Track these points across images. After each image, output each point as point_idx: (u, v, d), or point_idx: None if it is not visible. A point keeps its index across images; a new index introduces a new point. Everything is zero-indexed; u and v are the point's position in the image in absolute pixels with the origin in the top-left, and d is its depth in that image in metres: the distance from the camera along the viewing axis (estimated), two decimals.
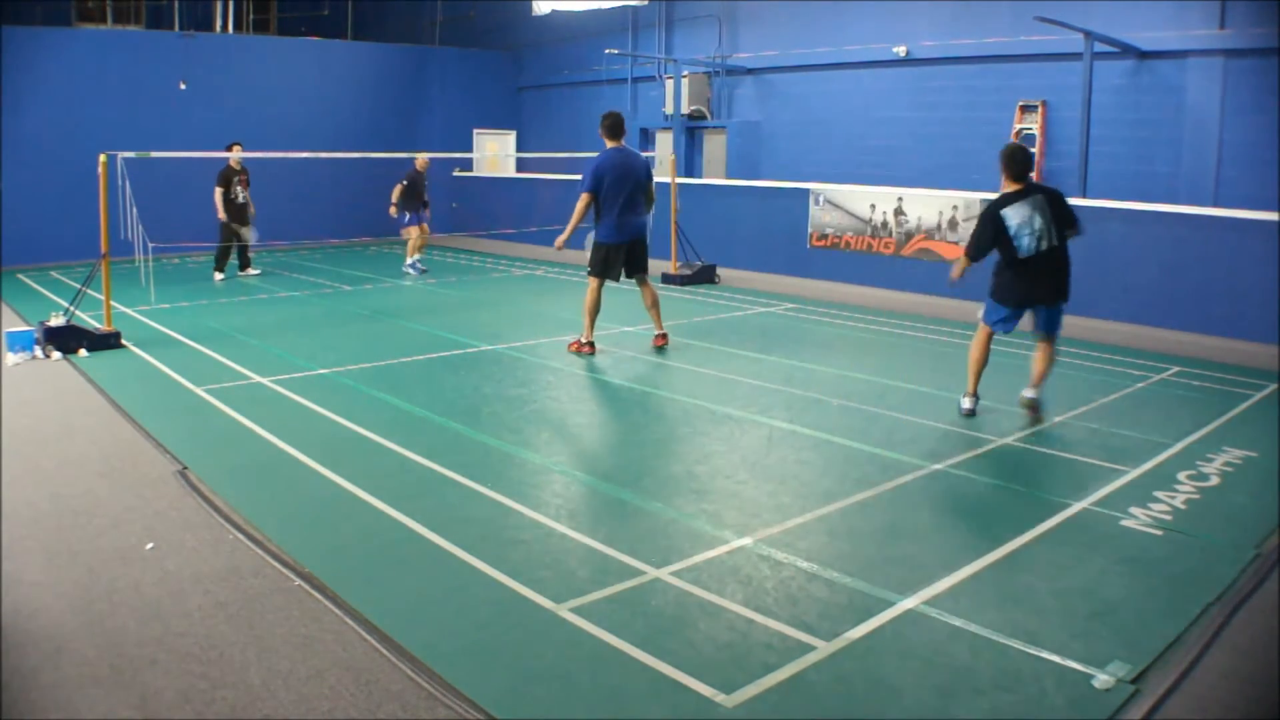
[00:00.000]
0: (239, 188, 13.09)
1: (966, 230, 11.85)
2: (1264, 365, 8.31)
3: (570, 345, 8.47)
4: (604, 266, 8.24)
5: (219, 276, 13.26)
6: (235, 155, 12.98)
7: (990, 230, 6.20)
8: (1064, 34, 11.80)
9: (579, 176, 8.43)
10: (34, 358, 8.15)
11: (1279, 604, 3.92)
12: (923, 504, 4.95)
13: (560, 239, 8.22)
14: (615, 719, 3.04)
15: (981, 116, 13.50)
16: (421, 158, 13.92)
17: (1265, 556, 4.33)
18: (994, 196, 6.39)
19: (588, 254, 8.52)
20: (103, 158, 8.84)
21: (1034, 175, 12.59)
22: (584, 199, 8.05)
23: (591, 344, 8.34)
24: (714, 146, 17.42)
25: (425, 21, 21.97)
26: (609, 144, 8.20)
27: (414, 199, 13.80)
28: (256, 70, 17.66)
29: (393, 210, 13.82)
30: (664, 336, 8.66)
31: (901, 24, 14.41)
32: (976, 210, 11.72)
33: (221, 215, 13.02)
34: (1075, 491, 5.10)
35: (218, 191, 12.97)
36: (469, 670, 3.29)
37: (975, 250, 6.33)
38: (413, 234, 13.89)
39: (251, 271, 13.73)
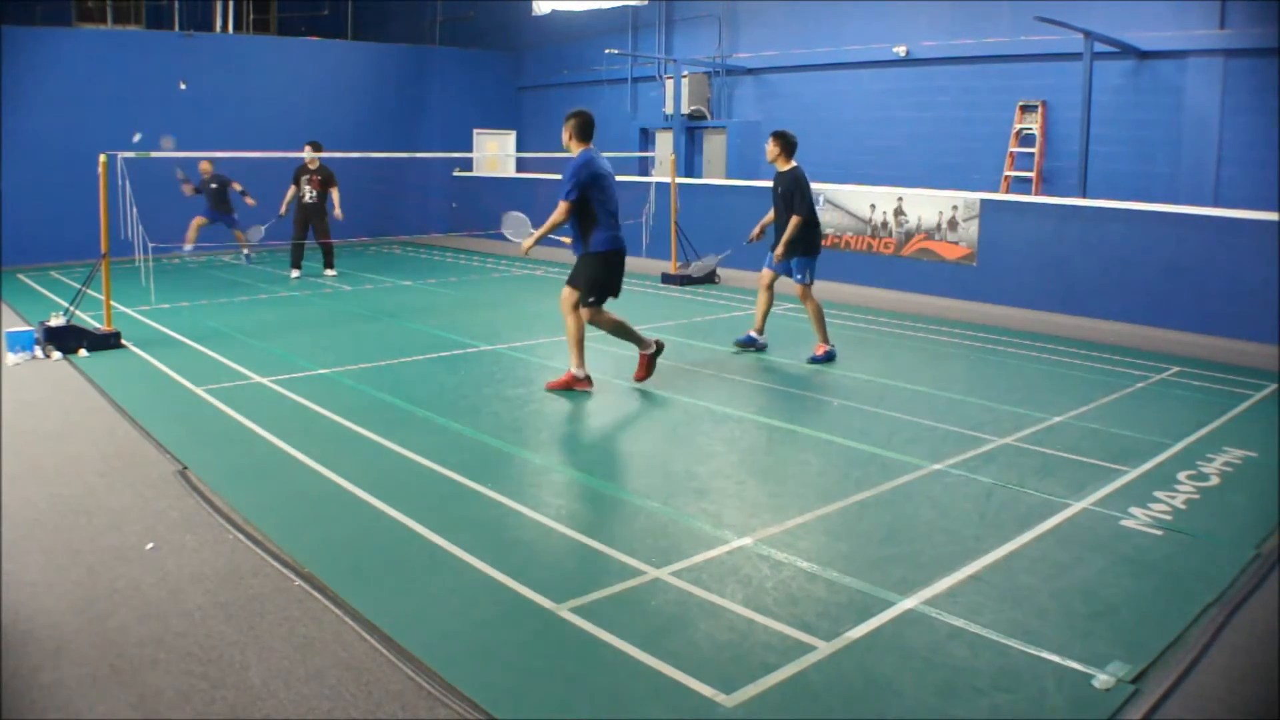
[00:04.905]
0: (308, 186, 13.14)
1: (967, 230, 11.86)
2: (1264, 365, 8.31)
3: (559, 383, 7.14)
4: (603, 283, 7.01)
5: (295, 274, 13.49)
6: (308, 154, 13.12)
7: None
8: (1064, 34, 11.80)
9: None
10: (34, 358, 8.14)
11: (1279, 604, 3.93)
12: (923, 504, 4.95)
13: (528, 243, 7.23)
14: (615, 719, 3.04)
15: (981, 116, 13.49)
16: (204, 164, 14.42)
17: (1265, 556, 4.33)
18: (994, 196, 6.39)
19: (513, 237, 7.63)
20: (103, 158, 8.84)
21: (1033, 175, 12.70)
22: (563, 208, 6.84)
23: (588, 377, 7.18)
24: (714, 146, 17.42)
25: (425, 21, 21.98)
26: (579, 147, 6.97)
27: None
28: (256, 70, 17.65)
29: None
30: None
31: (901, 24, 14.41)
32: (977, 210, 11.74)
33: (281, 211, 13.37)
34: (1075, 491, 5.10)
35: (290, 190, 13.28)
36: (469, 670, 3.29)
37: None
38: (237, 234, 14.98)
39: (329, 272, 13.81)
